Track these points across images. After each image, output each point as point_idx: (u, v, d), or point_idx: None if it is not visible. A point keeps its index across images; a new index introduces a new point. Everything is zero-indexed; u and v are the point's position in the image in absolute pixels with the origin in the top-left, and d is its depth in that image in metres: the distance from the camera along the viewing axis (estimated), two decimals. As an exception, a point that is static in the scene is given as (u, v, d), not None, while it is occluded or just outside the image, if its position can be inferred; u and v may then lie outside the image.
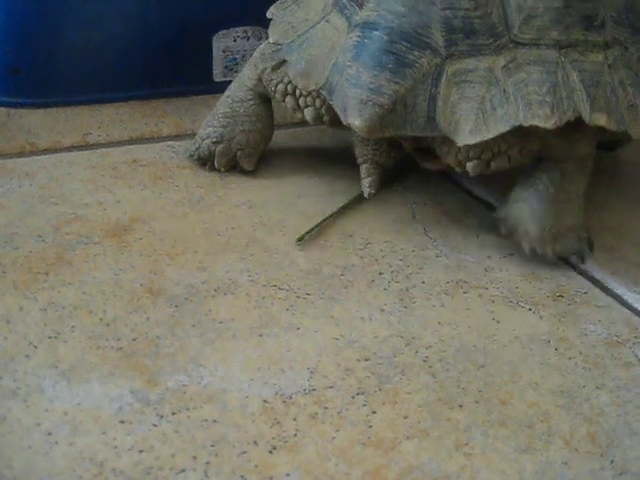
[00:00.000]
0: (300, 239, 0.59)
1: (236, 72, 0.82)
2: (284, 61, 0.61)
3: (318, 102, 0.60)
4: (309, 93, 0.59)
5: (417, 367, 0.48)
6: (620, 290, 0.60)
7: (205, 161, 0.66)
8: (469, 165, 0.57)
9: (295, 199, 0.64)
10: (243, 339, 0.48)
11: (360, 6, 0.55)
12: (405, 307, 0.53)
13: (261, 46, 0.65)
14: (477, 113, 0.52)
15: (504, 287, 0.57)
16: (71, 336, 0.47)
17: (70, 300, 0.50)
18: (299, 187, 0.66)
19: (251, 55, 0.78)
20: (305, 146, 0.74)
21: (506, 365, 0.49)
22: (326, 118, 0.60)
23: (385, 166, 0.62)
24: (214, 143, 0.65)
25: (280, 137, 0.75)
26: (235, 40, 0.81)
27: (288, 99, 0.62)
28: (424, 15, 0.53)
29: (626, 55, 0.58)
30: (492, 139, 0.53)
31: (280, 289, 0.53)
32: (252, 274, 0.54)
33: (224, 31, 0.80)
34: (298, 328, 0.50)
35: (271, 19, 0.62)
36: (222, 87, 0.78)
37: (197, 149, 0.66)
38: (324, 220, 0.62)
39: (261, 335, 0.49)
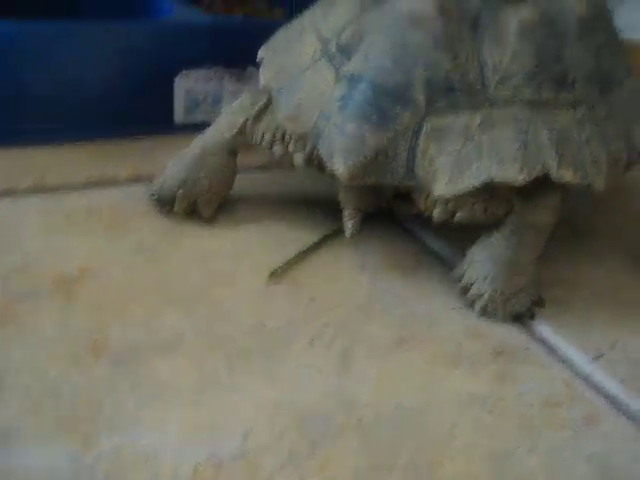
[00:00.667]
0: (272, 274, 0.62)
1: (198, 113, 0.82)
2: (264, 110, 0.64)
3: (309, 147, 0.61)
4: (299, 138, 0.61)
5: (351, 430, 0.49)
6: (562, 346, 0.61)
7: (165, 203, 0.67)
8: (435, 211, 0.59)
9: (248, 249, 0.65)
10: (181, 400, 0.49)
11: (348, 58, 0.58)
12: (345, 366, 0.54)
13: (239, 99, 0.67)
14: (453, 166, 0.55)
15: (446, 344, 0.58)
16: (9, 396, 0.48)
17: (12, 358, 0.50)
18: (253, 236, 0.67)
19: (213, 96, 0.80)
20: (262, 192, 0.75)
21: (441, 427, 0.50)
22: (316, 162, 0.62)
23: (366, 211, 0.64)
24: (177, 186, 0.67)
25: (238, 182, 0.76)
26: (197, 81, 0.82)
27: (276, 147, 0.64)
28: (407, 73, 0.56)
29: (593, 113, 0.60)
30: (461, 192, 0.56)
31: (223, 346, 0.54)
32: (196, 330, 0.55)
33: (186, 72, 0.81)
34: (236, 388, 0.51)
35: (261, 60, 0.65)
36: (183, 128, 0.79)
37: (159, 189, 0.68)
38: (296, 256, 0.65)
39: (199, 395, 0.50)
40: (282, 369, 0.53)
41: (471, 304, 0.61)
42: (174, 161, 0.68)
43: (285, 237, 0.68)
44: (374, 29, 0.57)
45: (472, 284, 0.61)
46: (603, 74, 0.62)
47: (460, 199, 0.58)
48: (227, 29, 0.85)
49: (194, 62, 0.81)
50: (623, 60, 0.66)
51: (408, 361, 0.56)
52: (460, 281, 0.62)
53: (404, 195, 0.62)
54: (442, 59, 0.56)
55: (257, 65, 0.76)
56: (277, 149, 0.64)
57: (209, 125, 0.74)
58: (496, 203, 0.59)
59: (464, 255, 0.64)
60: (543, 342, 0.61)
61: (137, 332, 0.54)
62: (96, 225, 0.65)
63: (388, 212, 0.68)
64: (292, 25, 0.66)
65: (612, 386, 0.58)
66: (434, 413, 0.51)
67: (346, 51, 0.59)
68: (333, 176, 0.59)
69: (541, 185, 0.58)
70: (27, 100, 0.77)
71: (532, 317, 0.62)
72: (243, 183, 0.76)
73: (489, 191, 0.57)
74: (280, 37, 0.65)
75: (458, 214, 0.59)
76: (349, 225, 0.63)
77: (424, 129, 0.56)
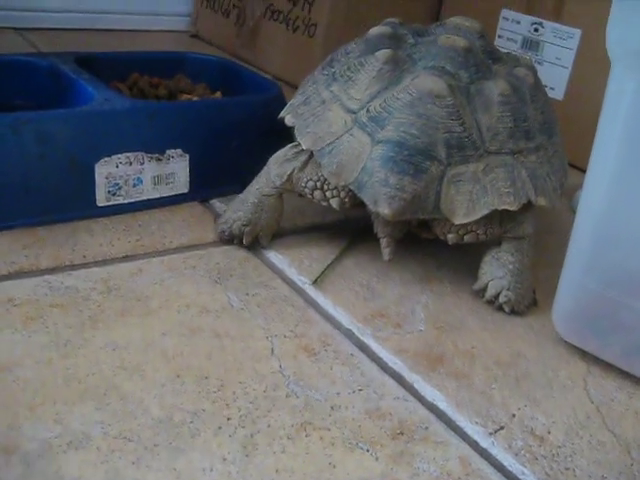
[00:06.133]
0: (315, 281, 0.80)
1: (119, 196, 0.86)
2: (307, 163, 0.79)
3: (343, 194, 0.78)
4: (335, 187, 0.77)
5: (248, 522, 0.51)
6: (462, 422, 0.64)
7: (234, 238, 0.84)
8: (449, 236, 0.78)
9: (159, 337, 0.67)
10: (86, 499, 0.51)
11: (382, 127, 0.74)
12: (247, 455, 0.57)
13: (282, 151, 0.82)
14: (468, 202, 0.74)
15: (346, 427, 0.61)
16: None
17: None
18: (165, 323, 0.69)
19: (134, 180, 0.83)
20: (178, 275, 0.77)
21: (335, 513, 0.53)
22: (348, 205, 0.79)
23: (398, 238, 0.79)
24: (244, 225, 0.83)
25: (154, 266, 0.79)
26: (117, 166, 0.85)
27: (316, 193, 0.80)
28: (432, 137, 0.73)
29: (547, 154, 0.80)
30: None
31: (130, 441, 0.56)
32: (105, 425, 0.58)
33: (106, 158, 0.84)
34: (141, 483, 0.53)
35: (294, 126, 0.80)
36: (105, 211, 0.83)
37: (229, 228, 0.84)
38: (333, 261, 0.85)
39: (104, 494, 0.52)
40: (186, 461, 0.56)
41: (499, 308, 0.81)
42: (235, 206, 0.84)
43: (195, 323, 0.70)
44: (400, 103, 0.74)
45: (499, 294, 0.79)
46: (547, 125, 0.82)
47: (467, 226, 0.77)
48: (146, 114, 0.87)
49: (114, 147, 0.83)
50: (554, 111, 0.85)
51: (306, 448, 0.58)
52: (487, 292, 0.81)
53: (425, 224, 0.80)
54: (454, 125, 0.74)
55: (175, 147, 0.88)
56: (317, 194, 0.80)
57: (132, 207, 0.87)
58: (492, 227, 0.78)
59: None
60: (443, 418, 0.64)
61: (48, 430, 0.57)
62: (14, 320, 0.67)
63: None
64: (308, 95, 0.81)
65: (508, 459, 0.61)
66: (331, 499, 0.54)
67: (377, 121, 0.75)
68: (377, 215, 0.76)
69: (523, 211, 0.77)
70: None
71: (535, 303, 0.83)
72: (158, 267, 0.78)
73: (488, 218, 0.76)
74: (301, 107, 0.81)
75: (466, 237, 0.78)
76: (386, 252, 0.79)
77: (446, 177, 0.74)
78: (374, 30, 0.83)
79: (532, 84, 0.81)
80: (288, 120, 0.81)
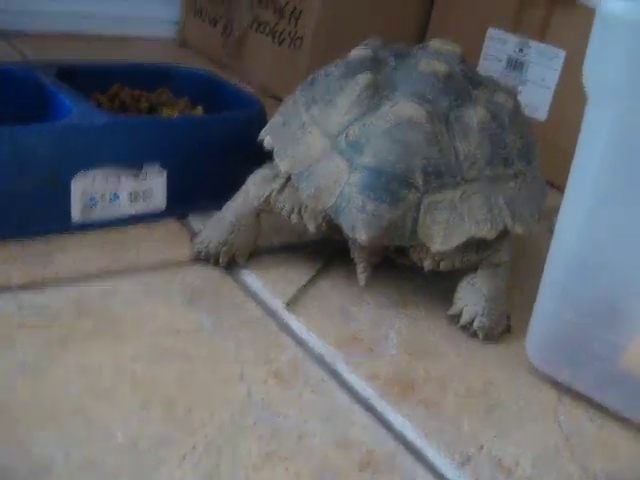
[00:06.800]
0: (288, 304, 0.80)
1: (95, 212, 0.85)
2: (285, 186, 0.79)
3: (320, 218, 0.78)
4: (318, 212, 0.77)
5: None
6: (430, 452, 0.65)
7: (210, 258, 0.84)
8: (425, 263, 0.78)
9: (130, 362, 0.67)
10: (45, 529, 0.51)
11: (360, 153, 0.73)
12: (210, 486, 0.56)
13: (260, 171, 0.83)
14: (445, 230, 0.73)
15: (313, 457, 0.61)
16: None
17: None
18: (136, 347, 0.69)
19: (110, 195, 0.82)
20: (151, 295, 0.77)
21: None
22: (324, 228, 0.79)
23: (374, 263, 0.80)
24: (220, 245, 0.83)
25: (128, 285, 0.78)
26: (94, 181, 0.84)
27: (293, 215, 0.80)
28: (409, 164, 0.73)
29: (525, 180, 0.80)
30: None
31: (91, 469, 0.56)
32: (69, 451, 0.57)
33: (83, 173, 0.83)
34: (102, 514, 0.53)
35: (272, 149, 0.80)
36: (81, 226, 0.82)
37: (205, 248, 0.83)
38: (307, 283, 0.85)
39: (64, 523, 0.51)
40: (147, 493, 0.55)
41: (473, 335, 0.81)
42: (212, 225, 0.84)
43: (166, 346, 0.70)
44: (379, 130, 0.74)
45: (473, 319, 0.80)
46: (525, 149, 0.81)
47: (444, 253, 0.76)
48: (124, 129, 0.87)
49: (91, 162, 0.83)
50: (533, 136, 0.85)
51: (272, 479, 0.58)
52: (461, 318, 0.81)
53: (402, 250, 0.79)
54: (432, 152, 0.74)
55: (153, 162, 0.88)
56: (294, 217, 0.80)
57: (107, 223, 0.87)
58: (468, 254, 0.78)
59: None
60: (411, 449, 0.64)
61: (10, 455, 0.56)
62: (-19, 339, 0.66)
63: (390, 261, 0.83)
64: (288, 117, 0.81)
65: (474, 492, 0.61)
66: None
67: (355, 147, 0.74)
68: (354, 240, 0.76)
69: (499, 240, 0.78)
70: None
71: (509, 330, 0.83)
72: (133, 286, 0.78)
73: (464, 246, 0.75)
74: (281, 129, 0.81)
75: (442, 264, 0.78)
76: (362, 277, 0.80)
77: (423, 204, 0.73)
78: (355, 53, 0.84)
79: (511, 109, 0.81)
80: (267, 142, 0.81)
